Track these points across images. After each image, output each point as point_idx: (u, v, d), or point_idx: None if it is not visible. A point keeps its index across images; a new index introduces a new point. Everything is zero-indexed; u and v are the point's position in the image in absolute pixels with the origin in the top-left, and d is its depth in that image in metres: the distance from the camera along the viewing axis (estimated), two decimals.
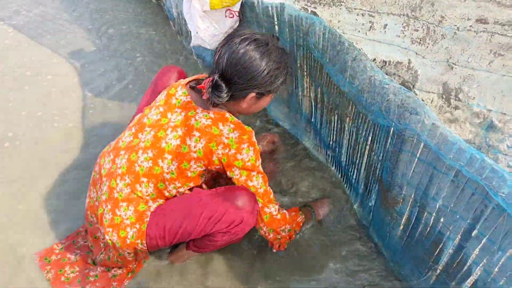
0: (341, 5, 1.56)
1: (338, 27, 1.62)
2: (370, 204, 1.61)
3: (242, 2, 1.84)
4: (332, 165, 1.90)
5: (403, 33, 1.36)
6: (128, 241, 1.47)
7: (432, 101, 1.32)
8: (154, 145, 1.44)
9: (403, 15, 1.33)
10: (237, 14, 1.89)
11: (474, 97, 1.19)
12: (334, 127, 1.73)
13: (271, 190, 1.53)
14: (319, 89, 1.72)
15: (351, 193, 1.78)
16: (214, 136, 1.39)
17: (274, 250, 1.68)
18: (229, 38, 1.39)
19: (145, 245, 1.49)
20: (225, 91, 1.36)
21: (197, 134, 1.39)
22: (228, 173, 1.45)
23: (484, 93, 1.17)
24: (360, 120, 1.50)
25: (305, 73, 1.77)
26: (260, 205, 1.49)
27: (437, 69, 1.27)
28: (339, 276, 1.62)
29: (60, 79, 2.67)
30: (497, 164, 1.08)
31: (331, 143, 1.80)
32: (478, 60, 1.16)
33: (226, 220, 1.42)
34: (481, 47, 1.15)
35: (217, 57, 1.37)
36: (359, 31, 1.53)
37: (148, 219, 1.47)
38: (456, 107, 1.24)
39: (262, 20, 1.78)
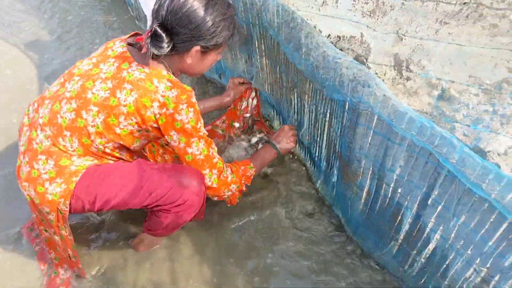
0: None
1: (292, 4, 1.60)
2: (333, 180, 1.62)
3: None
4: (296, 144, 1.90)
5: (354, 6, 1.35)
6: (49, 198, 1.34)
7: (385, 73, 1.32)
8: (79, 95, 1.32)
9: None
10: None
11: (424, 67, 1.20)
12: (294, 106, 1.72)
13: (216, 154, 1.45)
14: (277, 69, 1.71)
15: (315, 171, 1.78)
16: (148, 91, 1.29)
17: (228, 204, 1.63)
18: None
19: (67, 206, 1.36)
20: (166, 41, 1.26)
21: (128, 86, 1.29)
22: (166, 137, 1.36)
23: (433, 63, 1.18)
24: (318, 97, 1.50)
25: (263, 53, 1.75)
26: (201, 177, 1.44)
27: (387, 41, 1.27)
28: (302, 250, 1.63)
29: (19, 73, 2.58)
30: (454, 134, 1.09)
31: (293, 122, 1.80)
32: (425, 29, 1.17)
33: (169, 199, 1.38)
34: (428, 16, 1.15)
35: (157, 6, 1.28)
36: (312, 7, 1.52)
37: (77, 178, 1.34)
38: (408, 78, 1.25)
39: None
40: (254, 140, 1.96)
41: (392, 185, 1.29)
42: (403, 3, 1.19)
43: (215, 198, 1.56)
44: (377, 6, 1.27)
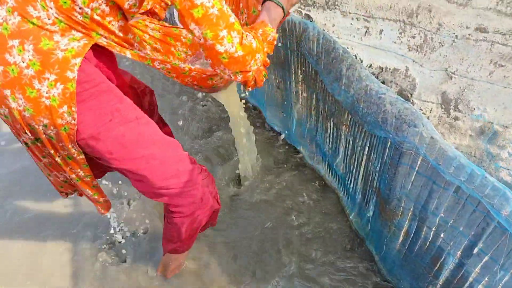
0: (336, 8, 1.51)
1: (333, 31, 1.57)
2: (368, 215, 1.56)
3: None
4: (329, 173, 1.85)
5: (400, 39, 1.30)
6: (47, 103, 1.00)
7: (431, 110, 1.27)
8: None
9: (399, 21, 1.27)
10: None
11: (474, 108, 1.14)
12: (330, 134, 1.67)
13: (231, 12, 1.06)
14: (314, 95, 1.67)
15: (348, 202, 1.73)
16: None
17: (249, 89, 1.26)
18: None
19: (75, 117, 1.04)
20: None
21: None
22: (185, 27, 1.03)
23: (485, 105, 1.12)
24: (356, 129, 1.45)
25: (300, 79, 1.71)
26: (210, 41, 1.03)
27: (435, 77, 1.22)
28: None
29: None
30: (498, 173, 1.03)
31: (327, 150, 1.75)
32: (478, 70, 1.11)
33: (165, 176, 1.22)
34: (481, 56, 1.10)
35: None
36: (354, 35, 1.48)
37: (75, 74, 1.00)
38: (456, 118, 1.19)
39: None
40: None
41: (434, 228, 1.23)
42: (453, 40, 1.14)
43: (239, 78, 1.15)
44: (425, 41, 1.22)
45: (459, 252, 1.18)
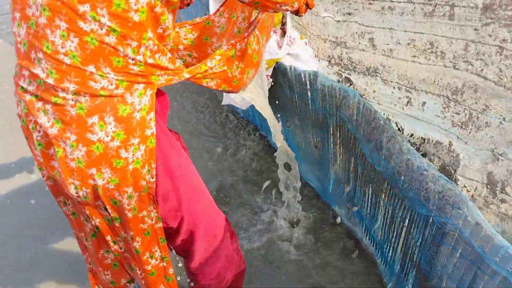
0: (377, 76, 1.51)
1: (373, 97, 1.57)
2: None
3: (274, 66, 1.82)
4: (366, 236, 1.80)
5: (443, 113, 1.28)
6: (131, 168, 0.99)
7: (475, 189, 1.22)
8: (54, 6, 0.88)
9: (443, 96, 1.26)
10: (269, 78, 1.86)
11: None
12: (368, 199, 1.64)
13: None
14: (352, 159, 1.66)
15: (386, 270, 1.67)
16: None
17: (303, 15, 1.20)
18: None
19: (153, 173, 1.02)
20: None
21: None
22: None
23: None
24: (396, 201, 1.42)
25: (338, 142, 1.71)
26: None
27: (481, 157, 1.19)
28: None
29: None
30: None
31: (365, 214, 1.72)
32: None
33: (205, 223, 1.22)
34: None
35: None
36: (395, 104, 1.47)
37: (153, 130, 1.01)
38: (503, 200, 1.15)
39: (295, 86, 1.75)
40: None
41: None
42: (501, 122, 1.11)
43: (295, 6, 1.13)
44: (470, 119, 1.20)
45: None
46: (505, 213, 1.15)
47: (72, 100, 0.93)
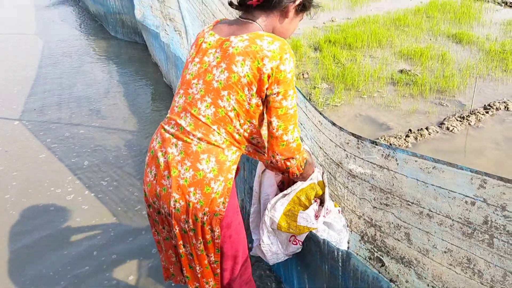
0: (411, 268, 1.56)
1: (406, 287, 1.60)
2: None
3: (308, 234, 1.89)
4: None
5: None
6: (212, 196, 1.49)
7: None
8: (208, 89, 1.48)
9: None
10: (301, 244, 1.93)
11: None
12: None
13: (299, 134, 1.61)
14: None
15: None
16: (256, 53, 1.42)
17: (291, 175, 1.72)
18: None
19: (225, 206, 1.52)
20: None
21: (240, 58, 1.43)
22: (267, 92, 1.46)
23: None
24: None
25: None
26: (280, 132, 1.52)
27: None
28: None
29: None
30: None
31: None
32: None
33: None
34: None
35: None
36: None
37: (233, 176, 1.53)
38: None
39: (327, 260, 1.80)
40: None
41: None
42: None
43: (284, 163, 1.61)
44: None
45: None
46: None
47: (196, 142, 1.50)
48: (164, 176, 1.53)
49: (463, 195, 1.24)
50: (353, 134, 1.70)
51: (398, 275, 1.62)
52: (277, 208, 1.93)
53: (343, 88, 5.05)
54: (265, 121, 1.58)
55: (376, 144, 1.57)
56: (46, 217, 3.21)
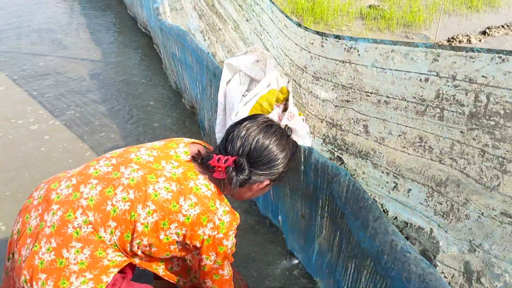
0: (367, 159, 1.64)
1: (362, 178, 1.68)
2: None
3: None
4: None
5: (427, 202, 1.40)
6: None
7: (453, 276, 1.31)
8: (139, 186, 1.28)
9: (428, 186, 1.38)
10: None
11: (496, 286, 1.19)
12: (350, 274, 1.71)
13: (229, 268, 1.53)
14: (338, 233, 1.74)
15: None
16: (209, 211, 1.33)
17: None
18: (252, 119, 1.46)
19: None
20: (247, 174, 1.37)
21: (193, 199, 1.31)
22: (202, 256, 1.39)
23: (510, 285, 1.16)
24: (378, 278, 1.49)
25: (326, 215, 1.80)
26: (217, 265, 1.44)
27: (459, 246, 1.29)
28: None
29: None
30: None
31: None
32: (501, 250, 1.18)
33: None
34: (505, 238, 1.17)
35: (241, 135, 1.39)
36: (382, 187, 1.58)
37: (108, 279, 1.24)
38: None
39: None
40: None
41: None
42: (479, 216, 1.23)
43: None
44: (451, 210, 1.31)
45: None
46: None
47: (78, 224, 1.23)
48: (27, 243, 1.25)
49: (418, 73, 1.29)
50: (317, 32, 1.71)
51: (356, 169, 1.70)
52: (240, 116, 1.95)
53: (312, 22, 5.02)
54: None
55: (340, 38, 1.59)
56: (10, 149, 3.13)
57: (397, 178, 1.50)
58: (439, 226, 1.35)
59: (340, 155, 1.81)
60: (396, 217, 1.53)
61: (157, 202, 1.28)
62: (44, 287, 1.17)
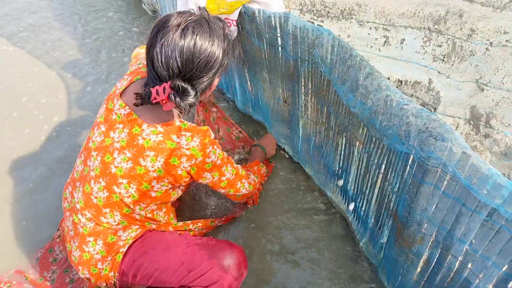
0: (352, 18, 1.41)
1: (348, 42, 1.47)
2: (381, 241, 1.42)
3: (240, 11, 1.69)
4: (338, 195, 1.71)
5: (424, 49, 1.20)
6: (101, 274, 1.39)
7: (457, 127, 1.15)
8: (104, 172, 1.30)
9: (424, 28, 1.17)
10: (235, 24, 1.73)
11: (510, 124, 1.02)
12: (341, 151, 1.55)
13: (236, 165, 1.53)
14: (324, 109, 1.56)
15: (359, 227, 1.59)
16: (172, 151, 1.25)
17: (250, 206, 1.80)
18: (162, 31, 1.15)
19: (117, 277, 1.40)
20: (192, 92, 1.19)
21: (151, 153, 1.25)
22: (199, 180, 1.39)
23: None
24: (372, 145, 1.33)
25: (310, 91, 1.60)
26: (232, 193, 1.55)
27: (464, 90, 1.11)
28: None
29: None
30: None
31: (337, 169, 1.62)
32: None
33: (207, 279, 1.31)
34: None
35: (162, 59, 1.14)
36: (371, 46, 1.38)
37: (124, 249, 1.39)
38: (487, 135, 1.08)
39: (263, 32, 1.63)
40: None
41: (460, 258, 1.09)
42: (487, 48, 1.03)
43: (242, 201, 1.72)
44: (453, 50, 1.12)
45: (491, 286, 1.04)
46: (489, 148, 1.07)
47: (83, 224, 1.35)
48: (73, 247, 1.42)
49: None
50: None
51: (339, 34, 1.49)
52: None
53: None
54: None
55: None
56: None
57: (388, 30, 1.29)
58: (439, 73, 1.17)
59: (321, 23, 1.58)
60: (389, 77, 1.34)
61: (125, 175, 1.28)
62: (83, 272, 1.39)
